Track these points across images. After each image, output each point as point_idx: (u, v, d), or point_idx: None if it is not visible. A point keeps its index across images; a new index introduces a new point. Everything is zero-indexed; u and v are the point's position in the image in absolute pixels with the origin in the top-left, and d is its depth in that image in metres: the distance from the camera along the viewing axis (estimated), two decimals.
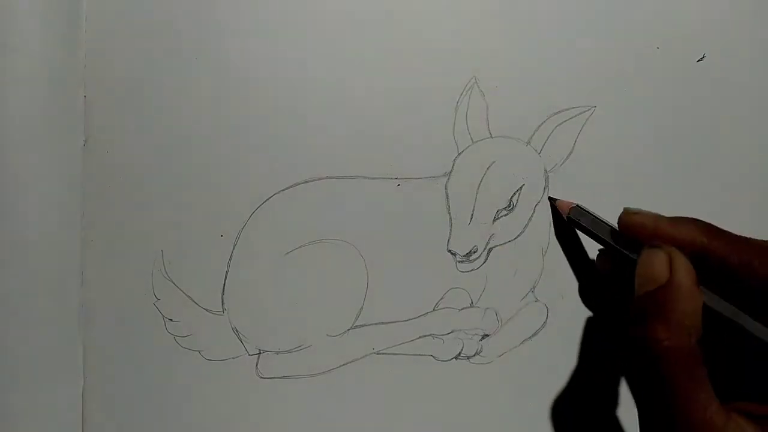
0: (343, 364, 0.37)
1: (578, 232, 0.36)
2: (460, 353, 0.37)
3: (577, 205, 0.35)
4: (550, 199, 0.37)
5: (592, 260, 0.37)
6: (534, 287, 0.37)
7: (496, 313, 0.37)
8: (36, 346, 0.36)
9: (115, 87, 0.37)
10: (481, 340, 0.37)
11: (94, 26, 0.37)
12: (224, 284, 0.37)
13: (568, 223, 0.36)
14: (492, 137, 0.37)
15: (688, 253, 0.27)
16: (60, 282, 0.36)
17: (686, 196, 0.38)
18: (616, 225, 0.33)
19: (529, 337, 0.37)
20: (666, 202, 0.38)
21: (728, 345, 0.28)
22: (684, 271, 0.26)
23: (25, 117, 0.35)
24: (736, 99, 0.38)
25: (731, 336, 0.27)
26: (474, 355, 0.37)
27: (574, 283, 0.37)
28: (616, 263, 0.34)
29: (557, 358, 0.37)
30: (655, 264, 0.27)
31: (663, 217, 0.30)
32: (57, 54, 0.36)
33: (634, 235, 0.30)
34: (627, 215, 0.31)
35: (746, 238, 0.28)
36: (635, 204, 0.37)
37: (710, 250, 0.28)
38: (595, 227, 0.34)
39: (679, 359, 0.25)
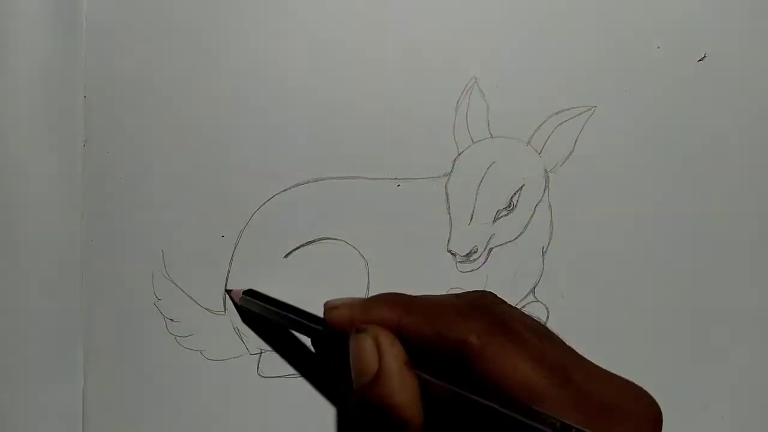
0: None
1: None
2: None
3: (249, 290, 0.28)
4: (227, 291, 0.34)
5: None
6: (534, 287, 0.37)
7: None
8: (36, 346, 0.36)
9: (115, 87, 0.37)
10: None
11: (94, 26, 0.37)
12: (225, 284, 0.37)
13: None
14: (492, 137, 0.37)
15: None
16: (60, 282, 0.36)
17: (686, 197, 0.38)
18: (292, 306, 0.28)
19: None
20: (665, 202, 0.38)
21: (457, 420, 0.26)
22: (391, 356, 0.23)
23: (25, 117, 0.35)
24: (736, 99, 0.38)
25: (457, 411, 0.25)
26: None
27: (574, 283, 0.38)
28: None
29: None
30: (364, 351, 0.24)
31: (357, 303, 0.26)
32: (57, 54, 0.36)
33: (341, 331, 0.26)
34: (327, 313, 0.27)
35: (441, 302, 0.26)
36: (634, 204, 0.37)
37: (404, 327, 0.24)
38: (269, 313, 0.27)
39: None
